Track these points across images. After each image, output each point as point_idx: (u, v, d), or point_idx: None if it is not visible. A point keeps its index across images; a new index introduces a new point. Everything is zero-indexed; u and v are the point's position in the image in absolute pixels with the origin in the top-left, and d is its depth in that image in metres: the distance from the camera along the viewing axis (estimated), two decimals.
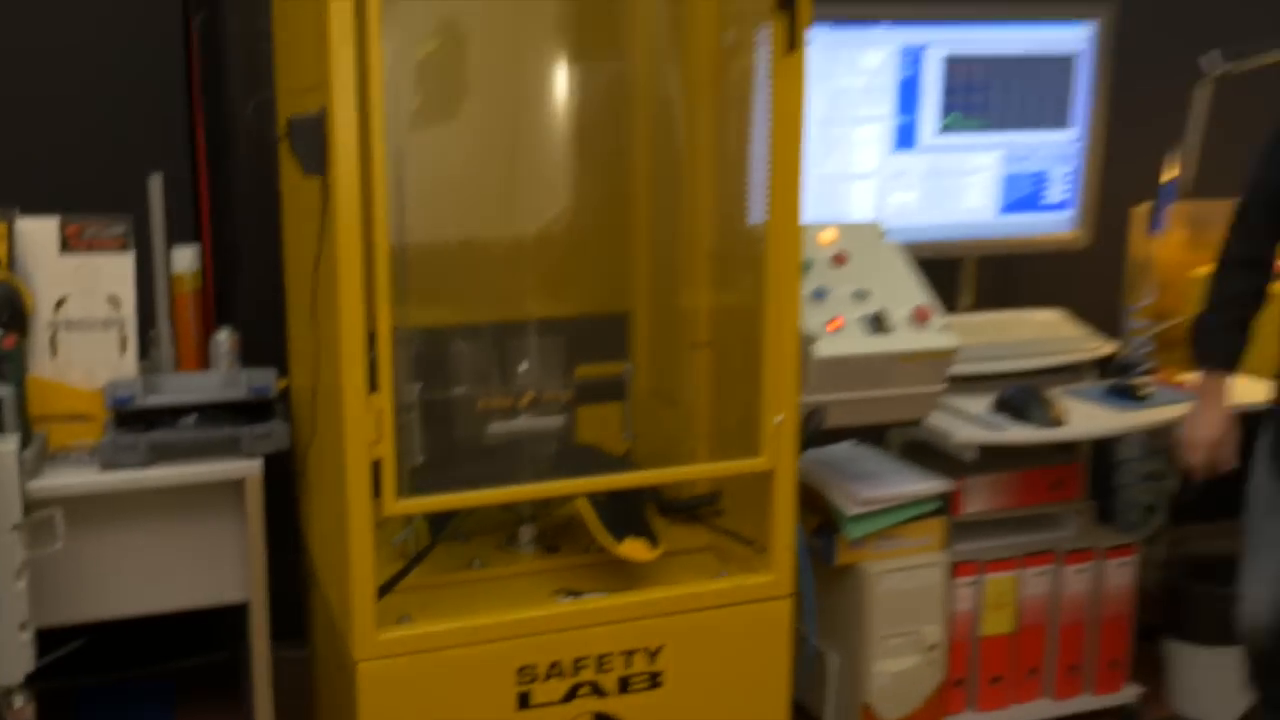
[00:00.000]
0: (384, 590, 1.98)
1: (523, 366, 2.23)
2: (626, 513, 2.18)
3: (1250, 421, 2.53)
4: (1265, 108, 3.26)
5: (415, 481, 1.99)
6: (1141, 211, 3.27)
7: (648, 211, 2.41)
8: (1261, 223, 2.48)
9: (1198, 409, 2.54)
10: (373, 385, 1.84)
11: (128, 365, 2.29)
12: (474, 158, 2.29)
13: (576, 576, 2.16)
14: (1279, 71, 3.08)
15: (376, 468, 1.85)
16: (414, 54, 2.20)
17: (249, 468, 2.23)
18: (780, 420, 2.12)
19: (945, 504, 2.70)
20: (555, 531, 2.28)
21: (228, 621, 2.54)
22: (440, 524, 2.18)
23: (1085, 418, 2.79)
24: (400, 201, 2.01)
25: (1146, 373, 3.08)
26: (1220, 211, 3.41)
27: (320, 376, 2.00)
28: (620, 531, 2.12)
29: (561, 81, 2.31)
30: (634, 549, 2.11)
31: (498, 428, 2.19)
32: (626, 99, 2.38)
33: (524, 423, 2.20)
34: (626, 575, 2.14)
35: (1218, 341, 2.53)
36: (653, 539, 2.15)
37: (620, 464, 2.29)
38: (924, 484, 2.65)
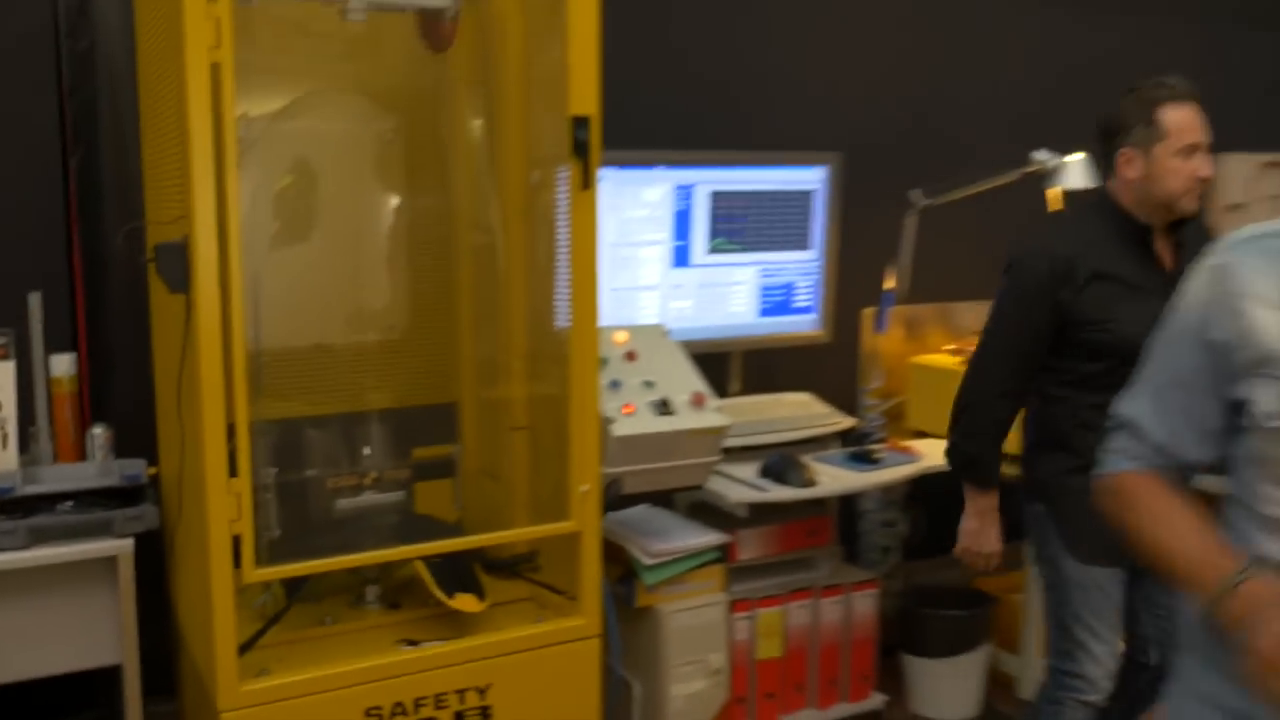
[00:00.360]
0: (245, 648, 1.88)
1: (366, 450, 2.17)
2: (458, 572, 2.12)
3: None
4: (957, 231, 3.45)
5: (273, 552, 1.91)
6: (869, 313, 3.37)
7: (471, 317, 2.39)
8: (1023, 362, 2.31)
9: (977, 527, 2.43)
10: (232, 471, 1.76)
11: (8, 459, 2.14)
12: (324, 273, 2.23)
13: (416, 628, 2.09)
14: (966, 205, 3.25)
15: (237, 542, 1.77)
16: (272, 186, 2.15)
17: (121, 546, 2.09)
18: (585, 489, 2.11)
19: (724, 553, 2.70)
20: (397, 590, 2.20)
21: (104, 681, 2.37)
22: (295, 588, 2.08)
23: (832, 478, 2.84)
24: (257, 312, 1.95)
25: (878, 441, 3.16)
26: (928, 314, 3.58)
27: (185, 464, 1.91)
28: (452, 588, 2.06)
29: (398, 207, 2.28)
30: (464, 602, 2.05)
31: (345, 503, 2.12)
32: (452, 223, 2.36)
33: (368, 498, 2.14)
34: (459, 625, 2.08)
35: (987, 468, 2.40)
36: (481, 593, 2.10)
37: (452, 530, 2.23)
38: (706, 537, 2.65)
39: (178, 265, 1.73)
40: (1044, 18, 3.74)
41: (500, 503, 2.33)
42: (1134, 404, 1.33)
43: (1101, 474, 1.36)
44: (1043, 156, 3.16)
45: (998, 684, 3.26)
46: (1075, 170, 3.15)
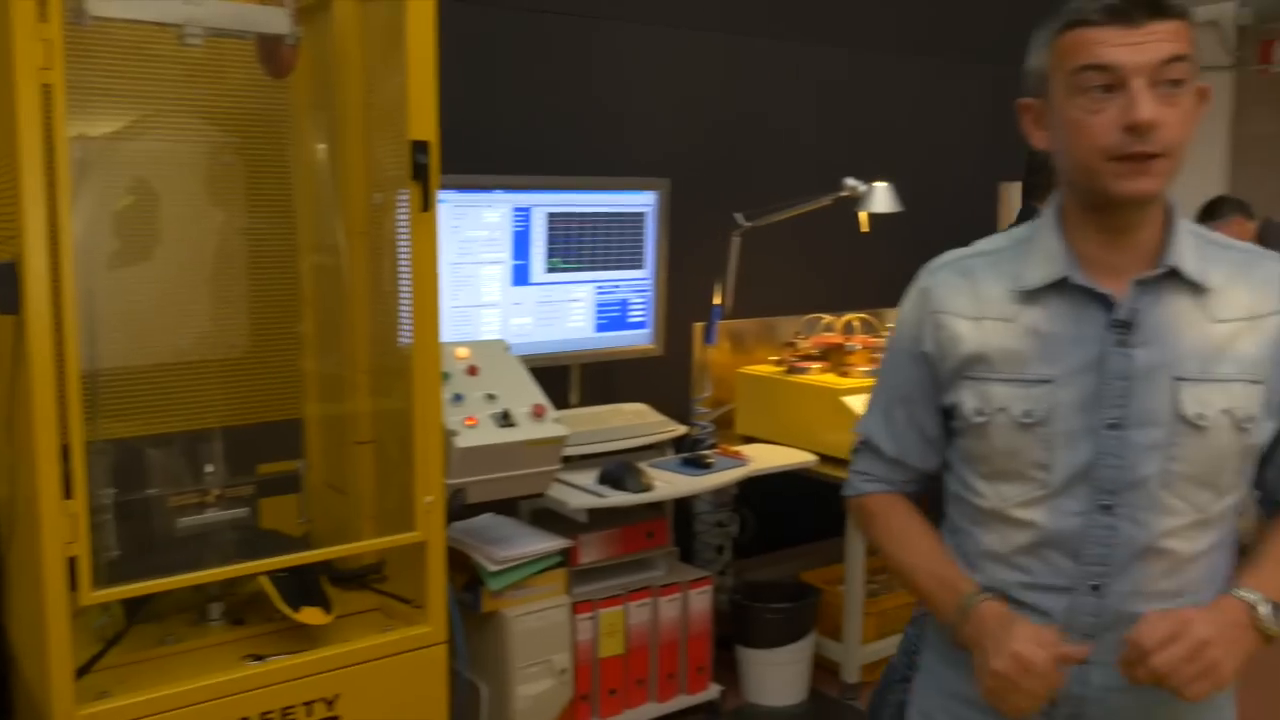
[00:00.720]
0: (83, 671, 1.78)
1: (209, 468, 2.09)
2: (304, 585, 2.06)
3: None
4: (778, 251, 3.56)
5: (112, 572, 1.81)
6: (699, 328, 3.44)
7: (315, 334, 2.33)
8: None
9: None
10: (67, 492, 1.67)
11: None
12: (164, 293, 2.15)
13: (262, 643, 2.02)
14: (785, 226, 3.36)
15: (74, 563, 1.68)
16: (110, 207, 2.06)
17: None
18: (430, 500, 2.08)
19: (566, 557, 2.71)
20: (242, 606, 2.12)
21: None
22: (136, 608, 1.98)
23: (667, 483, 2.88)
24: (94, 332, 1.86)
25: (709, 447, 3.23)
26: (753, 328, 3.68)
27: (18, 486, 1.80)
28: (298, 601, 2.00)
29: (239, 228, 2.22)
30: (311, 615, 2.00)
31: (188, 521, 2.03)
32: (295, 244, 2.31)
33: (211, 515, 2.06)
34: (307, 638, 2.02)
35: None
36: (327, 606, 2.05)
37: (297, 544, 2.16)
38: (548, 543, 2.65)
39: (8, 286, 1.64)
40: (850, 55, 3.90)
41: (346, 516, 2.28)
42: (868, 423, 1.41)
43: (848, 495, 1.44)
44: (853, 183, 3.30)
45: (823, 670, 3.35)
46: (880, 195, 3.30)
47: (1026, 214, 2.89)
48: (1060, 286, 1.23)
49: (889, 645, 3.35)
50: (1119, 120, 1.13)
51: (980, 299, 1.28)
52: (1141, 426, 1.20)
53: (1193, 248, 1.23)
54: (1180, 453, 1.20)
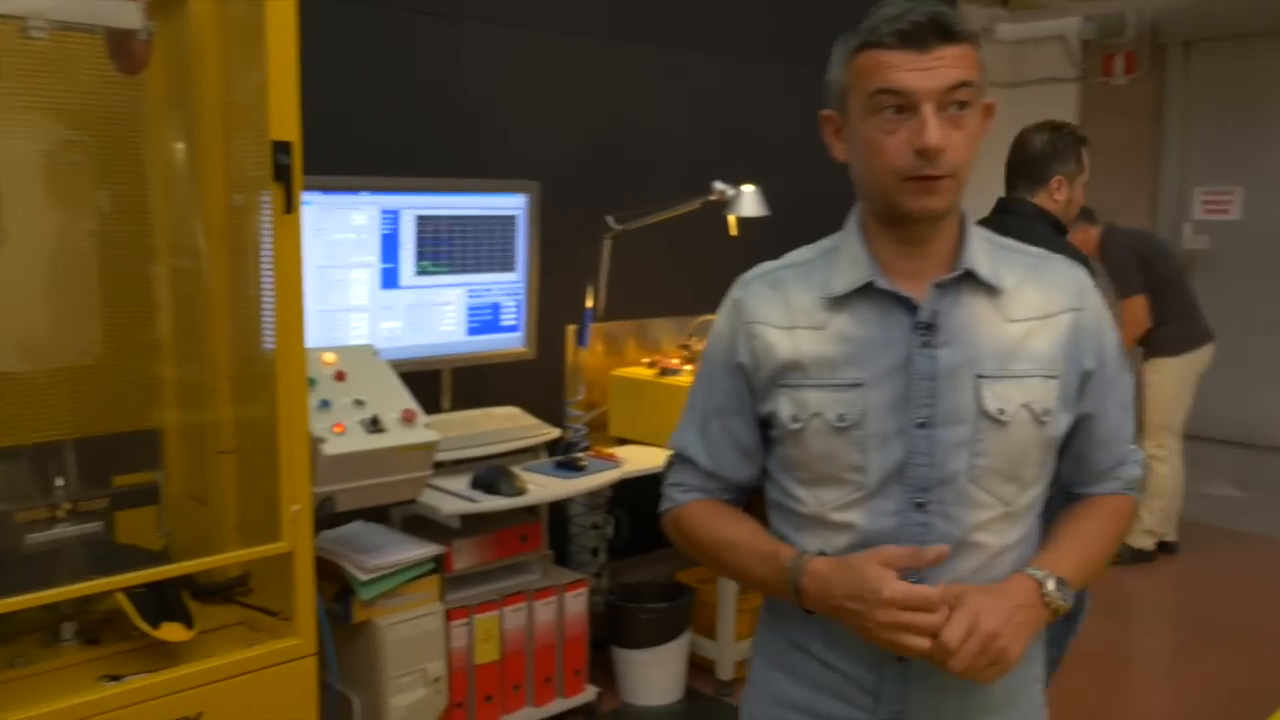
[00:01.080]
0: None
1: (59, 481, 2.00)
2: (164, 600, 2.00)
3: None
4: (649, 253, 3.61)
5: None
6: (571, 330, 3.46)
7: (173, 340, 2.26)
8: None
9: None
10: None
11: None
12: (11, 297, 2.05)
13: (120, 663, 1.95)
14: (656, 229, 3.40)
15: None
16: None
17: None
18: (297, 510, 2.04)
19: (439, 564, 2.69)
20: (98, 625, 2.04)
21: None
22: None
23: (541, 486, 2.89)
24: None
25: (583, 450, 3.25)
26: (625, 330, 3.71)
27: None
28: (158, 618, 1.94)
29: (90, 230, 2.13)
30: (171, 632, 1.94)
31: (37, 537, 1.94)
32: (151, 246, 2.23)
33: (62, 530, 1.97)
34: (167, 655, 1.96)
35: None
36: (189, 621, 1.99)
37: (156, 558, 2.09)
38: (420, 550, 2.62)
39: None
40: (721, 61, 3.97)
41: (209, 527, 2.21)
42: (683, 436, 1.44)
43: (663, 510, 1.46)
44: (721, 186, 3.37)
45: (698, 668, 3.41)
46: (748, 200, 3.37)
47: (1008, 207, 2.83)
48: (866, 292, 1.29)
49: None
50: (910, 143, 1.20)
51: (791, 308, 1.32)
52: (948, 424, 1.26)
53: (986, 252, 1.31)
54: (985, 448, 1.27)
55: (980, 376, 1.27)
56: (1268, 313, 6.61)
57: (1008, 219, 2.77)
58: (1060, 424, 1.32)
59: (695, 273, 3.88)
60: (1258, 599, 4.24)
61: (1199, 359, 4.58)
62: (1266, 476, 5.88)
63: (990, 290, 1.30)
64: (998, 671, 1.19)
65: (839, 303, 1.30)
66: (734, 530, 1.37)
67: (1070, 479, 1.40)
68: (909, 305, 1.28)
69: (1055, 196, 2.74)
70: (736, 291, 1.39)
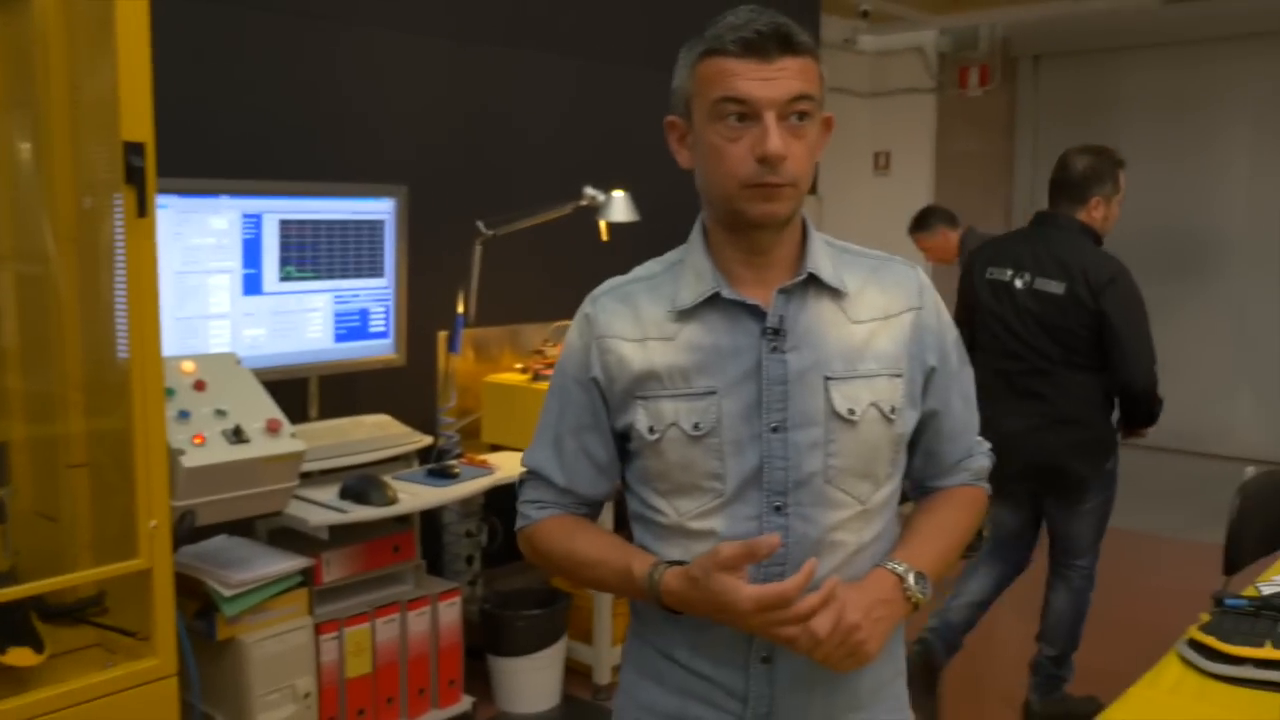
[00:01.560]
0: None
1: None
2: (11, 624, 1.91)
3: None
4: (520, 258, 3.60)
5: None
6: (442, 336, 3.43)
7: (20, 348, 2.16)
8: None
9: None
10: None
11: None
12: None
13: None
14: (526, 234, 3.40)
15: None
16: None
17: None
18: (155, 525, 1.98)
19: (307, 577, 2.64)
20: None
21: None
22: None
23: (413, 495, 2.85)
24: None
25: (456, 457, 3.23)
26: (497, 336, 3.70)
27: None
28: (4, 642, 1.85)
29: None
30: (19, 656, 1.85)
31: None
32: None
33: None
34: (16, 680, 1.87)
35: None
36: (39, 644, 1.91)
37: (3, 580, 2.00)
38: (287, 563, 2.57)
39: None
40: (590, 66, 4.00)
41: (60, 545, 2.12)
42: (537, 454, 1.45)
43: (519, 528, 1.47)
44: (592, 192, 3.39)
45: (575, 674, 3.41)
46: (619, 205, 3.40)
47: (1053, 220, 3.10)
48: (713, 302, 1.32)
49: None
50: (752, 150, 1.24)
51: (641, 321, 1.34)
52: (802, 427, 1.30)
53: (828, 256, 1.36)
54: (838, 448, 1.31)
55: (829, 378, 1.30)
56: None
57: (1052, 231, 3.07)
58: (908, 421, 1.36)
59: (567, 278, 3.87)
60: (1107, 589, 4.47)
61: None
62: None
63: (834, 293, 1.33)
64: (855, 663, 1.23)
65: (687, 314, 1.32)
66: (590, 546, 1.38)
67: (921, 474, 1.45)
68: (756, 312, 1.31)
69: (1093, 214, 3.04)
70: (587, 307, 1.40)
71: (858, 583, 1.27)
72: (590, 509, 1.45)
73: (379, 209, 3.11)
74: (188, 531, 2.20)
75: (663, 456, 1.32)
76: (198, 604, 2.46)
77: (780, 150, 1.22)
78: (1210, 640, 1.75)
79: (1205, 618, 1.83)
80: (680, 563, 1.30)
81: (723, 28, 1.25)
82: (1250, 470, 3.08)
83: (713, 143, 1.26)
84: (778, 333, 1.30)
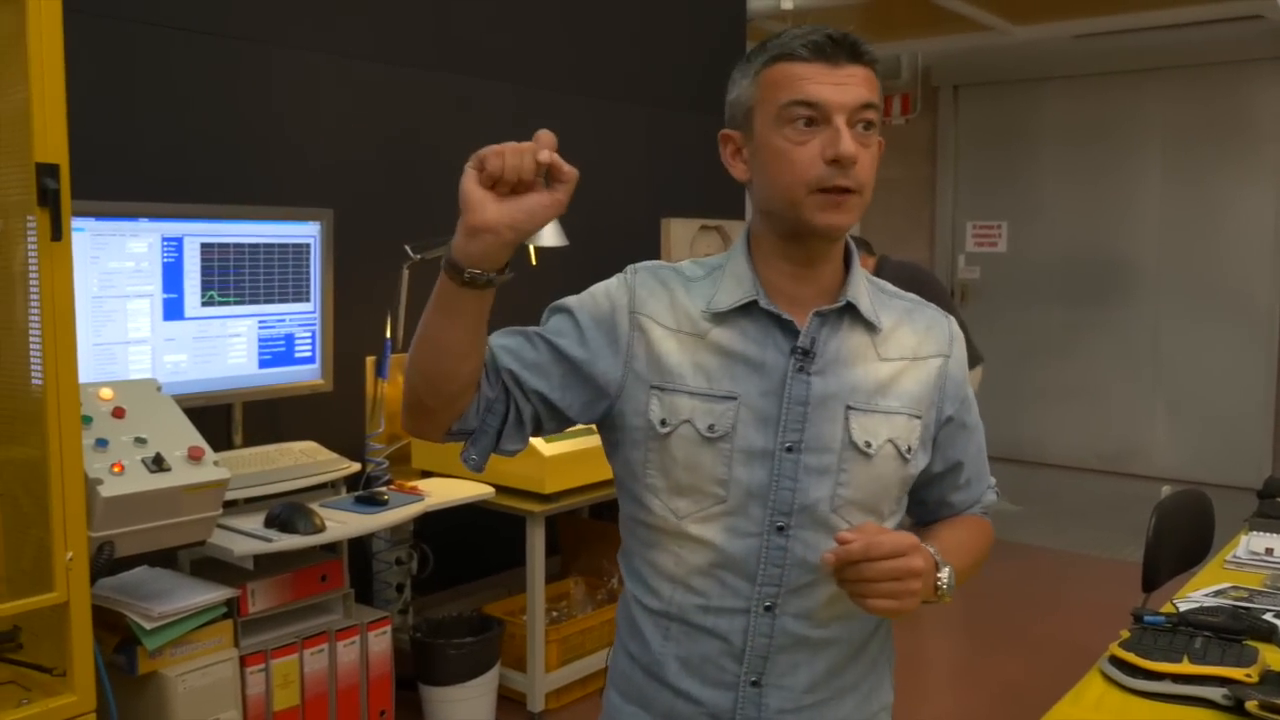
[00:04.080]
0: None
1: None
2: None
3: None
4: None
5: None
6: (370, 362, 3.39)
7: None
8: None
9: None
10: None
11: None
12: None
13: None
14: None
15: None
16: None
17: None
18: (71, 557, 1.91)
19: (232, 607, 2.57)
20: None
21: None
22: None
23: (341, 523, 2.80)
24: None
25: (385, 484, 3.18)
26: None
27: None
28: None
29: None
30: None
31: None
32: None
33: None
34: None
35: None
36: None
37: None
38: (211, 594, 2.50)
39: None
40: (518, 90, 4.00)
41: None
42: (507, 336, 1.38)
43: None
44: None
45: (509, 701, 3.37)
46: (547, 230, 3.38)
47: None
48: (748, 310, 1.30)
49: (573, 671, 3.43)
50: (822, 153, 1.22)
51: (676, 311, 1.32)
52: (815, 451, 1.28)
53: (866, 291, 1.35)
54: (849, 479, 1.29)
55: (850, 408, 1.29)
56: (1032, 338, 7.16)
57: None
58: (919, 462, 1.36)
59: (496, 303, 3.87)
60: (1031, 606, 4.56)
61: (971, 380, 4.92)
62: (1035, 490, 6.34)
63: (868, 326, 1.32)
64: (892, 608, 1.17)
65: (721, 317, 1.30)
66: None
67: (934, 517, 1.45)
68: (789, 329, 1.29)
69: None
70: (628, 276, 1.35)
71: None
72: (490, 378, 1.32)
73: (305, 232, 3.06)
74: (106, 563, 2.13)
75: (668, 452, 1.29)
76: (118, 638, 2.39)
77: (853, 152, 1.21)
78: (1130, 657, 1.78)
79: (1125, 634, 1.86)
80: None
81: (789, 36, 1.24)
82: (1166, 489, 3.16)
83: (779, 147, 1.24)
84: (807, 354, 1.28)
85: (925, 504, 1.44)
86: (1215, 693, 1.67)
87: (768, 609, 1.28)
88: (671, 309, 1.32)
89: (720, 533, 1.28)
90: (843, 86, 1.22)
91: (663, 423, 1.29)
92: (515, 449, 1.33)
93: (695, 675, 1.31)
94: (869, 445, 1.29)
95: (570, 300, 1.36)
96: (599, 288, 1.36)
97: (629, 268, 1.37)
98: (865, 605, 1.17)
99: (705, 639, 1.30)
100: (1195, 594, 2.16)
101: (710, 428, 1.27)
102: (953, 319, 1.43)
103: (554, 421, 1.34)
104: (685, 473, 1.28)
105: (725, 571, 1.28)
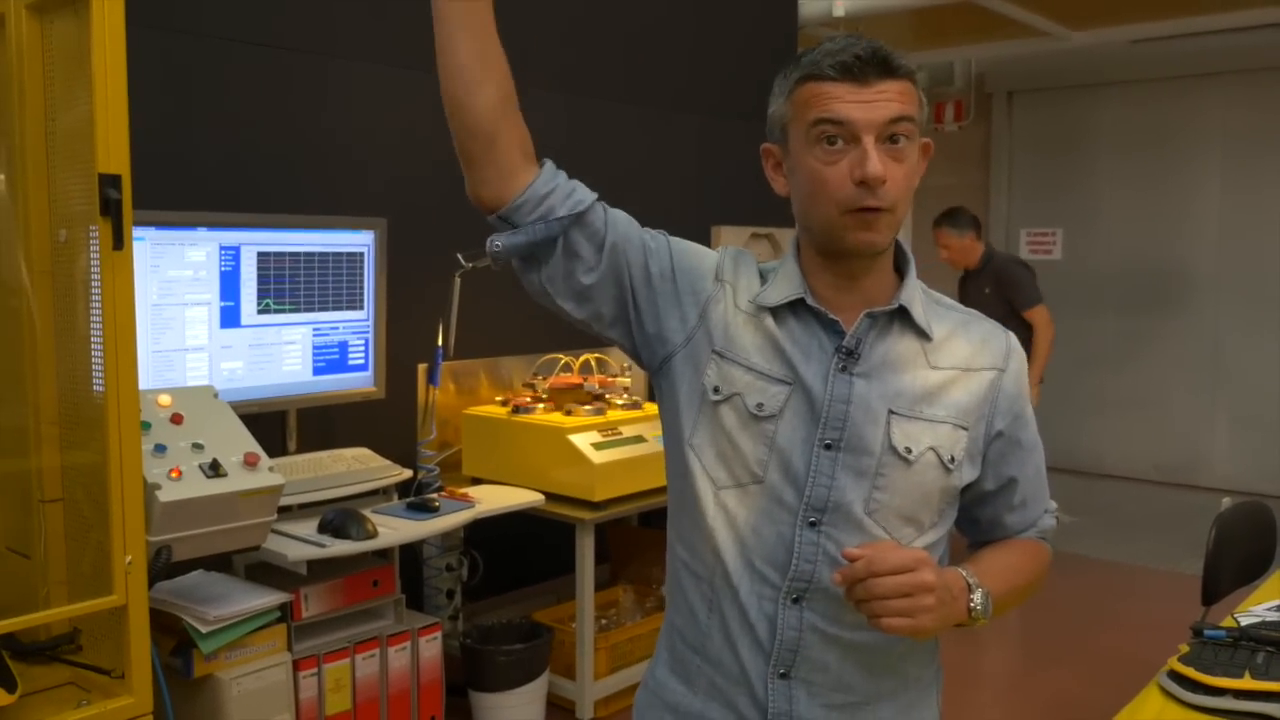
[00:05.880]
0: None
1: None
2: None
3: None
4: (499, 291, 3.58)
5: None
6: (422, 369, 3.42)
7: None
8: None
9: None
10: None
11: None
12: None
13: None
14: (507, 266, 3.38)
15: None
16: None
17: None
18: (130, 561, 1.94)
19: (286, 612, 2.60)
20: None
21: None
22: None
23: (392, 529, 2.82)
24: None
25: (436, 490, 3.20)
26: (477, 368, 3.68)
27: None
28: None
29: None
30: None
31: None
32: None
33: None
34: None
35: None
36: (10, 684, 1.86)
37: None
38: (265, 598, 2.53)
39: None
40: (568, 101, 4.02)
41: (32, 582, 2.09)
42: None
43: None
44: None
45: (557, 709, 3.37)
46: None
47: None
48: (795, 308, 1.32)
49: (621, 679, 3.42)
50: (851, 174, 1.22)
51: (744, 293, 1.35)
52: (854, 452, 1.27)
53: (920, 299, 1.35)
54: (887, 483, 1.28)
55: (893, 413, 1.28)
56: (1089, 347, 7.04)
57: None
58: (965, 475, 1.33)
59: (546, 311, 3.88)
60: (1089, 619, 4.47)
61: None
62: (1094, 502, 6.23)
63: (919, 333, 1.32)
64: (907, 626, 1.15)
65: (771, 311, 1.32)
66: None
67: (987, 537, 1.43)
68: (835, 329, 1.30)
69: None
70: (731, 250, 1.41)
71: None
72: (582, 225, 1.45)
73: (359, 241, 3.10)
74: (164, 567, 2.16)
75: (717, 421, 1.31)
76: (174, 641, 2.42)
77: (880, 173, 1.21)
78: (1190, 671, 1.74)
79: (1185, 649, 1.82)
80: None
81: (820, 53, 1.24)
82: (1226, 501, 3.09)
83: (810, 166, 1.25)
84: (850, 354, 1.29)
85: (979, 523, 1.42)
86: (1278, 709, 1.63)
87: (795, 601, 1.28)
88: (748, 290, 1.35)
89: (753, 513, 1.29)
90: (870, 104, 1.22)
91: (715, 390, 1.31)
92: (537, 278, 1.46)
93: (734, 652, 1.31)
94: (909, 451, 1.28)
95: (675, 240, 1.40)
96: (699, 248, 1.40)
97: (725, 246, 1.41)
98: (879, 625, 1.15)
99: (740, 618, 1.29)
100: (1257, 608, 2.11)
101: (759, 406, 1.29)
102: (1011, 335, 1.40)
103: (600, 290, 1.40)
104: (728, 444, 1.30)
105: (753, 555, 1.29)
